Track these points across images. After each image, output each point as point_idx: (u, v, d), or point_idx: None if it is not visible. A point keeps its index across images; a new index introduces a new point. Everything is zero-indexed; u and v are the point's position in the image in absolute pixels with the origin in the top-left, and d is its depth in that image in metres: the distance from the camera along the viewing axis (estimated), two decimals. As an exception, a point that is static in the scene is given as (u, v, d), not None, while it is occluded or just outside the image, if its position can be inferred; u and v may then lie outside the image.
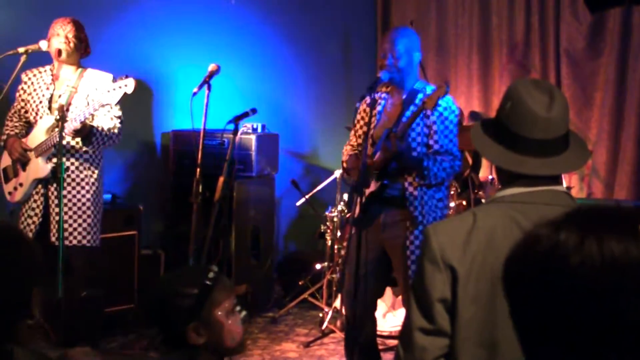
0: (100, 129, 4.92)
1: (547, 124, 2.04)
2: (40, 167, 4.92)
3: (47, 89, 5.01)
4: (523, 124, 2.05)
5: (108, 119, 4.99)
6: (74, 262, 4.88)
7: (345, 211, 6.22)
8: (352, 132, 4.78)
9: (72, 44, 4.94)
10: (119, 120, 5.04)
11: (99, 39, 5.82)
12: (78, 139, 4.92)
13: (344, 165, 4.75)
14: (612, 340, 1.10)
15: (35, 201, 4.96)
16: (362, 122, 4.65)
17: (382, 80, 4.46)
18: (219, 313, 2.45)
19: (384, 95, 4.60)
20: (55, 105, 4.95)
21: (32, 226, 4.93)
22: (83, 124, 4.76)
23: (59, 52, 4.93)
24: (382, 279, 4.60)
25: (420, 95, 4.43)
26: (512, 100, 2.08)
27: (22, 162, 4.98)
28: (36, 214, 4.94)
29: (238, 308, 2.53)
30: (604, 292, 1.09)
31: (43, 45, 4.88)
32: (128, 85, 4.68)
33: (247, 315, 2.62)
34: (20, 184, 5.00)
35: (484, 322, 1.99)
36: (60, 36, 4.92)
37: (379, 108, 4.57)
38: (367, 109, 4.59)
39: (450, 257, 2.00)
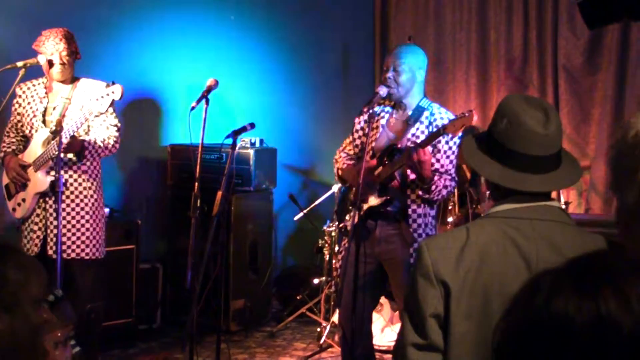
0: (92, 141, 4.88)
1: (545, 141, 2.05)
2: (39, 180, 4.89)
3: (41, 102, 4.98)
4: (521, 141, 2.05)
5: (104, 129, 4.96)
6: (74, 276, 4.86)
7: (336, 223, 6.23)
8: (348, 139, 4.75)
9: (66, 62, 4.90)
10: (115, 129, 5.00)
11: (98, 53, 5.85)
12: (70, 155, 4.90)
13: (339, 172, 4.73)
14: None
15: (37, 215, 4.93)
16: (360, 133, 4.63)
17: (380, 95, 4.46)
18: (47, 340, 2.29)
19: (387, 109, 4.59)
20: (49, 118, 4.92)
21: (37, 240, 4.89)
22: (72, 139, 4.72)
23: (59, 72, 4.91)
24: (377, 292, 4.61)
25: (427, 114, 4.41)
26: (507, 117, 2.08)
27: (20, 182, 4.96)
28: (39, 228, 4.92)
29: (72, 342, 2.44)
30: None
31: (41, 59, 4.86)
32: (115, 92, 4.64)
33: (80, 352, 2.51)
34: (23, 200, 4.97)
35: (478, 338, 1.99)
36: (54, 55, 4.89)
37: (382, 121, 4.55)
38: (363, 123, 4.59)
39: (443, 272, 2.00)
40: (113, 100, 4.67)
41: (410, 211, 4.36)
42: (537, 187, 2.06)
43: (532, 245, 2.01)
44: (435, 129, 4.30)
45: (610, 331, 1.02)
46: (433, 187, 4.24)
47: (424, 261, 2.03)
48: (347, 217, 4.57)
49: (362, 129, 4.63)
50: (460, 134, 4.33)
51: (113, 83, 4.68)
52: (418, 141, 4.30)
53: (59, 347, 2.36)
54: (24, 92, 5.05)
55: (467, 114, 4.06)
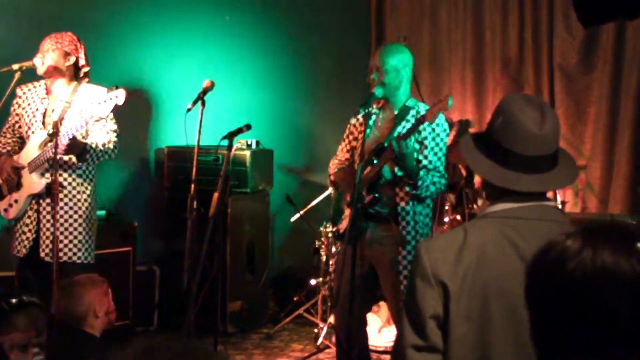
0: (94, 145, 4.86)
1: (540, 141, 2.04)
2: (34, 182, 4.88)
3: (41, 103, 4.98)
4: (515, 141, 2.04)
5: (103, 133, 4.94)
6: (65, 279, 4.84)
7: (330, 227, 6.21)
8: (340, 146, 4.79)
9: (47, 57, 4.86)
10: (114, 134, 4.99)
11: (94, 54, 5.82)
12: (72, 156, 4.88)
13: (331, 178, 4.78)
14: (606, 339, 1.26)
15: (29, 217, 4.92)
16: (351, 137, 4.68)
17: (376, 96, 4.48)
18: (5, 343, 2.33)
19: (375, 110, 4.62)
20: (48, 120, 4.91)
21: (26, 242, 4.89)
22: (74, 140, 4.71)
23: (39, 68, 4.89)
24: (370, 294, 4.62)
25: (412, 112, 4.44)
26: (503, 115, 2.07)
27: (11, 183, 4.94)
28: (30, 230, 4.90)
29: (35, 350, 2.41)
30: (595, 295, 1.27)
31: (37, 62, 4.86)
32: (119, 96, 4.61)
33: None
34: (16, 201, 4.96)
35: (477, 340, 1.98)
36: (39, 51, 4.90)
37: (370, 122, 4.59)
38: (357, 125, 4.61)
39: (442, 273, 1.99)
40: (116, 104, 4.64)
41: (399, 209, 4.37)
42: (529, 187, 2.05)
43: (530, 245, 1.99)
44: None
45: (601, 279, 1.29)
46: (420, 183, 4.25)
47: (422, 262, 2.02)
48: (342, 222, 4.58)
49: (351, 133, 4.67)
50: (446, 130, 4.39)
51: (116, 87, 4.65)
52: None
53: (14, 350, 2.33)
54: (24, 93, 5.04)
55: (442, 99, 4.18)
